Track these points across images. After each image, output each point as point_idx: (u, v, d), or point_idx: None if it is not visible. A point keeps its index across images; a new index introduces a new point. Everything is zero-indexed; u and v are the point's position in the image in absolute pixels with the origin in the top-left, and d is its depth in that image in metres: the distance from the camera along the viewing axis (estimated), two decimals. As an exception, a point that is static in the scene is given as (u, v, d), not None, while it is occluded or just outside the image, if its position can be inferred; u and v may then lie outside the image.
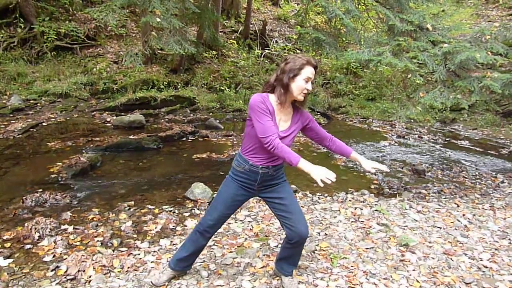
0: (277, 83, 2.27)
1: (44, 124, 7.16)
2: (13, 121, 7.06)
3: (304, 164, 2.15)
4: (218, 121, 8.29)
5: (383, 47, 4.85)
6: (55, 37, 10.12)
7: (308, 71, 2.22)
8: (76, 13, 11.25)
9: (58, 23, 10.52)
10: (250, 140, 2.33)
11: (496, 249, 3.34)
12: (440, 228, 3.76)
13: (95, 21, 10.74)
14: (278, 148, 2.16)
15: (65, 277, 2.76)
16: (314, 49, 6.60)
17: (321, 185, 2.09)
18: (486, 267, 3.04)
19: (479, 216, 4.12)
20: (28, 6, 10.12)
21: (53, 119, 7.50)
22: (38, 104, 8.26)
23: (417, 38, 5.10)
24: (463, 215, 4.13)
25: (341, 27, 6.22)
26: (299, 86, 2.22)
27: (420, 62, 4.90)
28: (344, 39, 7.69)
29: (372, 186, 5.16)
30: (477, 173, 5.94)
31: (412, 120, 9.77)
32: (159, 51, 10.76)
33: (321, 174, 2.07)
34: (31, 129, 6.73)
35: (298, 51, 13.41)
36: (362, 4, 6.41)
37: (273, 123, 2.24)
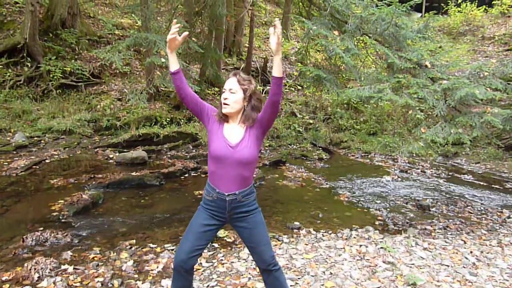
0: None
1: (47, 161, 7.18)
2: (16, 158, 7.08)
3: None
4: (220, 156, 8.28)
5: (383, 84, 4.94)
6: (61, 75, 10.34)
7: (226, 83, 2.36)
8: (82, 52, 11.54)
9: (64, 62, 10.78)
10: (209, 163, 2.38)
11: (506, 288, 3.25)
12: (448, 266, 3.68)
13: (100, 59, 10.99)
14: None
15: (64, 321, 2.68)
16: (315, 86, 6.71)
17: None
18: (498, 307, 2.95)
19: (487, 253, 4.04)
20: (35, 45, 10.41)
21: (56, 156, 7.53)
22: (42, 141, 8.32)
23: (416, 75, 5.19)
24: (471, 252, 4.05)
25: (341, 65, 6.35)
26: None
27: (420, 97, 4.97)
28: (344, 75, 7.83)
29: (377, 222, 5.09)
30: (482, 208, 5.88)
31: (414, 155, 9.77)
32: (162, 89, 10.94)
33: None
34: (34, 166, 6.74)
35: (299, 87, 13.63)
36: (361, 42, 6.57)
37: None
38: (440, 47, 15.31)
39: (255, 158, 2.34)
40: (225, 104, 2.30)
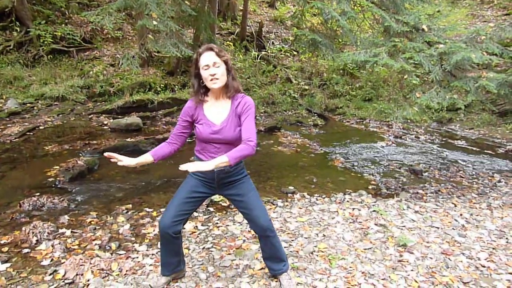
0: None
1: (41, 127, 7.14)
2: (10, 125, 7.04)
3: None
4: (215, 123, 8.26)
5: (379, 48, 4.87)
6: (52, 40, 10.09)
7: (203, 60, 2.25)
8: (72, 16, 11.23)
9: (54, 27, 10.50)
10: (197, 140, 2.42)
11: (493, 249, 3.35)
12: (438, 228, 3.77)
13: (91, 24, 10.71)
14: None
15: (63, 281, 2.75)
16: (311, 51, 6.62)
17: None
18: (484, 266, 3.06)
19: (477, 215, 4.14)
20: (24, 9, 10.09)
21: (50, 123, 7.48)
22: (35, 108, 8.23)
23: (413, 39, 5.12)
24: (461, 214, 4.14)
25: (337, 29, 6.25)
26: (204, 77, 2.28)
27: (416, 62, 4.92)
28: (340, 40, 7.72)
29: (370, 187, 5.17)
30: (474, 172, 5.97)
31: (409, 121, 9.79)
32: (156, 54, 10.74)
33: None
34: (28, 133, 6.71)
35: (295, 53, 13.45)
36: (358, 5, 6.43)
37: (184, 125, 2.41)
38: (438, 11, 15.02)
39: (239, 137, 2.31)
40: (214, 79, 2.24)
